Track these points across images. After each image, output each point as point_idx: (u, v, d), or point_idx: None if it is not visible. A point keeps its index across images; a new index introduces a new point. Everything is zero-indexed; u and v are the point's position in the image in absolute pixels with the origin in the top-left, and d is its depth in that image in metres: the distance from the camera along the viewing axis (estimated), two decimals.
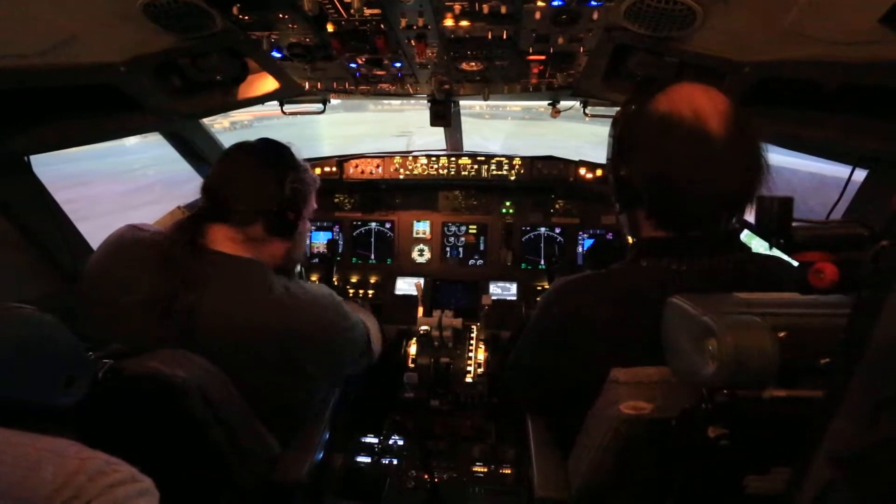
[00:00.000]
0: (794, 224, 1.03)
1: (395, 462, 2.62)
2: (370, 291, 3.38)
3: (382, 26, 1.69)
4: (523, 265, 3.35)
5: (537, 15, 1.57)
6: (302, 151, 1.79)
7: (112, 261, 1.57)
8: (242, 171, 1.63)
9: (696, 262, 1.27)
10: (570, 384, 1.41)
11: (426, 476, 2.50)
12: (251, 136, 1.84)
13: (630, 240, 3.14)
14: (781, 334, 0.92)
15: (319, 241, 3.48)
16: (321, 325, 1.62)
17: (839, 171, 1.70)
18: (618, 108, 2.59)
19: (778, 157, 1.36)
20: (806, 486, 0.56)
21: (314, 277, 3.15)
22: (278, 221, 1.63)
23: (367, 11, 1.57)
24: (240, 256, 1.57)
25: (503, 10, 1.54)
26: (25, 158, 1.98)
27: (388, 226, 3.46)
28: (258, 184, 1.61)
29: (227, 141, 3.04)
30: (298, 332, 1.54)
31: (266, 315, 1.49)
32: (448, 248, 3.43)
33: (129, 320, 1.46)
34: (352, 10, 1.56)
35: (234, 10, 1.55)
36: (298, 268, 2.60)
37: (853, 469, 0.54)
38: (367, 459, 2.63)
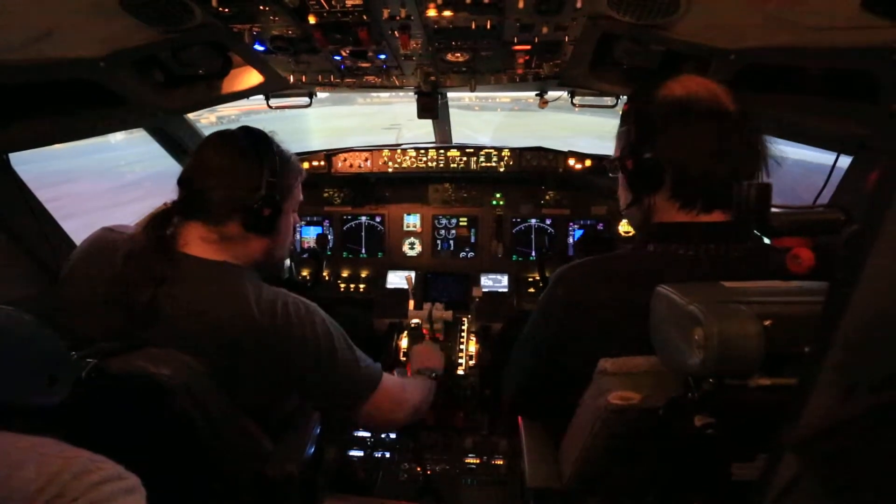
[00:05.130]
0: (772, 210, 1.03)
1: (387, 455, 2.63)
2: (361, 286, 3.37)
3: (365, 17, 1.67)
4: (514, 257, 3.35)
5: (520, 4, 1.56)
6: (291, 146, 1.73)
7: (84, 262, 1.54)
8: (219, 163, 1.54)
9: (704, 248, 1.27)
10: (567, 371, 1.41)
11: (419, 468, 2.51)
12: None
13: (621, 230, 3.17)
14: (767, 322, 0.93)
15: (309, 235, 3.47)
16: (286, 329, 1.47)
17: (826, 158, 1.71)
18: (608, 98, 2.64)
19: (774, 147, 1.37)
20: (779, 473, 0.56)
21: (305, 272, 3.13)
22: (255, 218, 1.53)
23: (349, 2, 1.56)
24: (208, 259, 1.49)
25: None
26: (4, 156, 1.95)
27: (378, 219, 3.45)
28: (235, 177, 1.52)
29: None
30: (263, 336, 1.43)
31: (230, 319, 1.40)
32: (439, 241, 3.43)
33: (95, 319, 1.43)
34: (333, 2, 1.55)
35: (214, 3, 1.53)
36: (288, 263, 2.58)
37: (818, 454, 0.54)
38: (360, 453, 2.64)
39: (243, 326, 1.40)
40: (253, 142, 1.60)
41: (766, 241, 1.34)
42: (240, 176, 1.53)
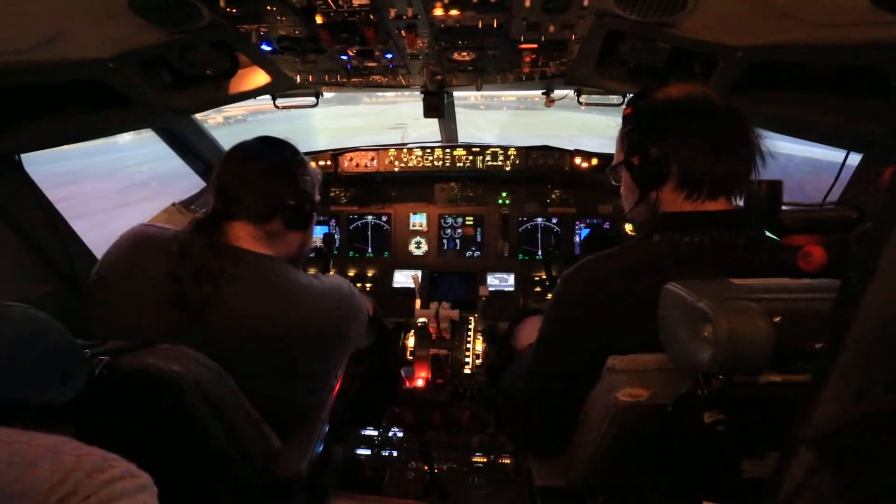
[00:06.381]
0: (783, 207, 1.02)
1: (394, 454, 2.64)
2: (368, 285, 3.38)
3: (372, 17, 1.68)
4: (520, 256, 3.35)
5: (527, 2, 1.55)
6: (298, 145, 1.79)
7: (133, 256, 1.57)
8: (253, 171, 1.62)
9: (708, 235, 1.29)
10: (576, 369, 1.41)
11: (426, 467, 2.52)
12: (245, 131, 1.82)
13: (628, 228, 3.16)
14: (776, 319, 0.92)
15: (316, 234, 3.46)
16: (340, 314, 1.71)
17: (835, 155, 1.70)
18: (614, 97, 2.63)
19: (773, 143, 1.38)
20: (792, 470, 0.56)
21: (311, 272, 3.14)
22: (297, 215, 1.67)
23: (356, 2, 1.56)
24: (262, 253, 1.60)
25: None
26: (16, 157, 1.96)
27: (384, 219, 3.45)
28: (272, 181, 1.63)
29: (220, 136, 3.02)
30: (322, 324, 1.62)
31: (292, 309, 1.54)
32: (445, 240, 3.43)
33: (143, 314, 1.48)
34: (340, 1, 1.55)
35: (222, 3, 1.54)
36: None
37: (834, 451, 0.54)
38: (367, 452, 2.64)
39: (297, 318, 1.55)
40: (280, 148, 1.72)
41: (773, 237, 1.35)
42: (277, 179, 1.64)
